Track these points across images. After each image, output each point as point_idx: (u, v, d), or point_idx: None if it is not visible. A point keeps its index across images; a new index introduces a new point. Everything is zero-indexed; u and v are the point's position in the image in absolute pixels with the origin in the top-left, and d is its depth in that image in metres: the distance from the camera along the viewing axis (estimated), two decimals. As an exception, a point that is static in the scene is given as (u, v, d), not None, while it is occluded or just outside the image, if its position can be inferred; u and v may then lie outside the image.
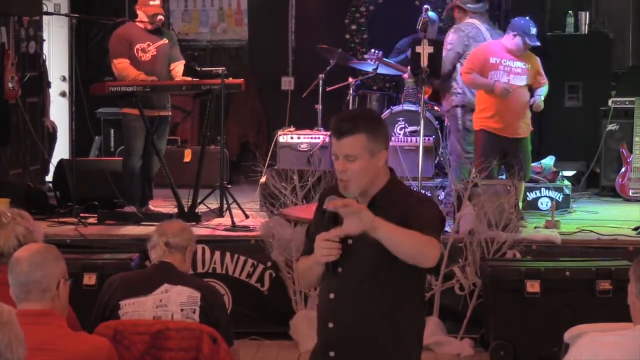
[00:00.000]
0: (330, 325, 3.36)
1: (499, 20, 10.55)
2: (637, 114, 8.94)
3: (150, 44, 7.69)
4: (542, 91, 7.71)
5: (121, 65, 7.56)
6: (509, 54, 7.61)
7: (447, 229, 6.97)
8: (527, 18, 7.73)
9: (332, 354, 3.36)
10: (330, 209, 3.11)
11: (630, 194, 8.88)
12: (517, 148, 7.64)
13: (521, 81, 7.63)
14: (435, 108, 8.88)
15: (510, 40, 7.61)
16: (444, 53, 7.77)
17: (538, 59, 7.78)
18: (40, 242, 3.65)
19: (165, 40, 7.77)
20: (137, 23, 7.73)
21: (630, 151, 8.93)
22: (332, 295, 3.35)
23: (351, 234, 3.08)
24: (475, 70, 7.61)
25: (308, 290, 6.31)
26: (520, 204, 7.65)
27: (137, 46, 7.64)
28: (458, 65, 7.86)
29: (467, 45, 7.69)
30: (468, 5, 7.78)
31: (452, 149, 8.13)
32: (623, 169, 9.02)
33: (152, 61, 7.67)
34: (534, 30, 7.57)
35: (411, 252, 3.11)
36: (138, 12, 7.77)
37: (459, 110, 7.84)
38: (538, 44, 7.63)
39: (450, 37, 7.80)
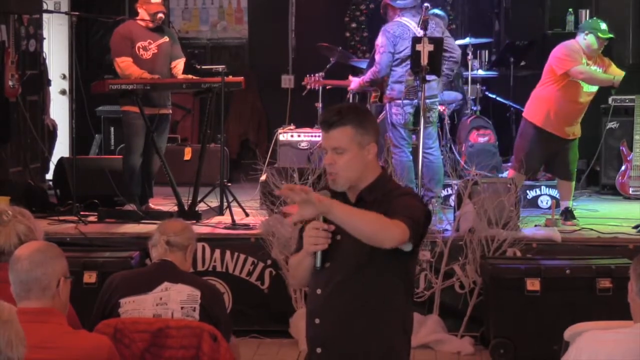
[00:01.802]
0: (317, 321, 3.37)
1: (499, 18, 10.56)
2: (637, 112, 8.93)
3: (152, 42, 7.68)
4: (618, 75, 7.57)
5: (124, 64, 7.55)
6: (588, 55, 7.49)
7: (447, 226, 7.01)
8: (594, 18, 7.68)
9: (319, 350, 3.38)
10: (282, 194, 3.11)
11: (631, 192, 8.87)
12: (567, 149, 7.64)
13: (592, 87, 7.53)
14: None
15: (583, 41, 7.46)
16: (377, 57, 7.73)
17: (611, 63, 7.64)
18: (41, 240, 3.65)
19: (166, 38, 7.77)
20: (138, 21, 7.73)
21: (631, 149, 8.92)
22: (319, 291, 3.36)
23: (307, 218, 3.12)
24: (579, 64, 7.46)
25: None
26: (571, 203, 7.66)
27: (139, 44, 7.64)
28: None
29: (395, 44, 7.62)
30: (397, 2, 7.76)
31: (390, 141, 8.06)
32: (623, 167, 9.01)
33: (153, 59, 7.67)
34: (604, 25, 7.46)
35: (368, 233, 3.12)
36: (139, 10, 7.77)
37: (387, 105, 7.81)
38: (611, 35, 7.49)
39: (380, 40, 7.72)
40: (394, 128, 7.71)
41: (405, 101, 7.59)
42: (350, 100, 9.35)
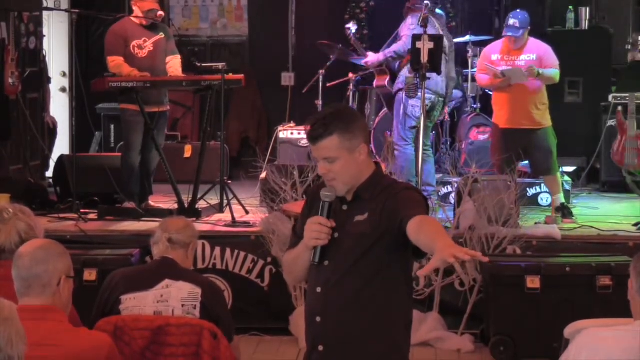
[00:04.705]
0: (318, 319, 3.38)
1: (499, 16, 10.54)
2: (630, 109, 8.80)
3: (147, 39, 7.67)
4: (545, 70, 7.52)
5: (114, 63, 7.55)
6: (509, 49, 7.59)
7: (447, 224, 7.01)
8: (518, 10, 7.71)
9: (321, 348, 3.39)
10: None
11: (625, 162, 8.50)
12: (536, 141, 7.61)
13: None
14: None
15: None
16: (407, 32, 7.80)
17: (547, 48, 7.62)
18: (43, 238, 3.65)
19: (161, 35, 7.76)
20: (133, 19, 7.72)
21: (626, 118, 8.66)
22: (319, 289, 3.36)
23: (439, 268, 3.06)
24: (482, 71, 7.65)
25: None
26: (561, 196, 7.63)
27: (134, 43, 7.63)
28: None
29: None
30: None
31: (395, 134, 8.09)
32: (618, 137, 8.65)
33: (150, 57, 7.66)
34: (511, 21, 7.52)
35: None
36: (134, 7, 7.76)
37: (401, 94, 7.85)
38: (509, 34, 7.52)
39: (410, 20, 7.90)
40: (407, 118, 7.77)
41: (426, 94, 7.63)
42: (351, 98, 9.37)
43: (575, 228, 7.24)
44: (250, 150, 10.78)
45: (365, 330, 3.33)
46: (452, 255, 2.86)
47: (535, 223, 7.36)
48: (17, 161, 9.05)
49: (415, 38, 7.30)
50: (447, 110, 9.19)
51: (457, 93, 9.61)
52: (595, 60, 9.68)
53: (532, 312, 6.12)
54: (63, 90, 10.74)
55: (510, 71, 7.45)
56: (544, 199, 8.39)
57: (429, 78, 7.36)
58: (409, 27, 7.86)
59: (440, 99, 7.97)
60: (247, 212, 7.66)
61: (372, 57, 8.32)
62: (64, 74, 10.74)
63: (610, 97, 9.31)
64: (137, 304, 4.18)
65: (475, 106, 9.62)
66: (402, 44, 7.89)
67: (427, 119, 7.70)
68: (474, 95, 9.67)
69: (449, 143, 9.51)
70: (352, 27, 9.37)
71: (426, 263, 3.15)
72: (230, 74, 7.82)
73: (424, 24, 7.33)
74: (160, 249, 4.38)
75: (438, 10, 8.74)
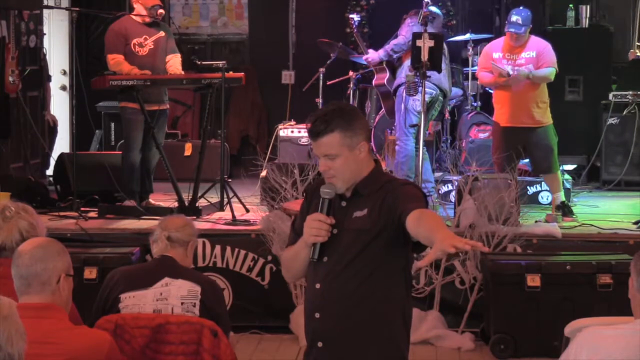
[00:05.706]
0: (317, 315, 3.39)
1: (500, 15, 10.55)
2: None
3: (147, 37, 7.67)
4: (537, 71, 7.47)
5: (114, 61, 7.55)
6: (510, 47, 7.58)
7: (447, 222, 7.01)
8: (521, 8, 7.69)
9: (320, 344, 3.40)
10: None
11: None
12: (537, 139, 7.59)
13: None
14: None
15: (507, 35, 7.63)
16: (408, 28, 7.89)
17: (546, 46, 7.59)
18: (45, 237, 3.65)
19: (162, 33, 7.76)
20: (134, 17, 7.71)
21: None
22: (318, 286, 3.37)
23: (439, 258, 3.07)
24: (485, 69, 7.64)
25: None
26: (562, 195, 7.62)
27: (134, 41, 7.62)
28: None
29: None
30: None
31: (397, 128, 8.10)
32: None
33: (150, 55, 7.65)
34: (514, 18, 7.48)
35: None
36: (135, 5, 7.74)
37: (401, 89, 7.87)
38: (511, 30, 7.47)
39: (411, 19, 7.97)
40: (407, 112, 7.78)
41: (428, 88, 7.63)
42: (351, 96, 9.37)
43: (576, 226, 7.23)
44: (251, 148, 10.80)
45: (364, 326, 3.34)
46: (452, 246, 2.86)
47: (536, 221, 7.36)
48: (18, 159, 9.06)
49: (416, 36, 7.30)
50: (447, 110, 9.21)
51: (457, 91, 9.61)
52: (595, 59, 9.67)
53: (533, 310, 6.12)
54: (63, 88, 10.74)
55: (512, 79, 7.43)
56: (545, 197, 8.39)
57: (429, 76, 7.36)
58: (408, 24, 7.91)
59: (440, 97, 7.99)
60: (247, 211, 7.66)
61: (373, 54, 8.34)
62: (64, 72, 10.74)
63: (610, 96, 9.32)
64: (137, 302, 4.18)
65: (475, 104, 9.62)
66: (402, 39, 7.96)
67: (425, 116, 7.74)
68: (474, 93, 9.67)
69: (449, 141, 9.51)
70: (355, 17, 9.39)
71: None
72: (231, 72, 7.82)
73: (424, 22, 7.32)
74: (159, 247, 4.38)
75: (436, 9, 8.75)
